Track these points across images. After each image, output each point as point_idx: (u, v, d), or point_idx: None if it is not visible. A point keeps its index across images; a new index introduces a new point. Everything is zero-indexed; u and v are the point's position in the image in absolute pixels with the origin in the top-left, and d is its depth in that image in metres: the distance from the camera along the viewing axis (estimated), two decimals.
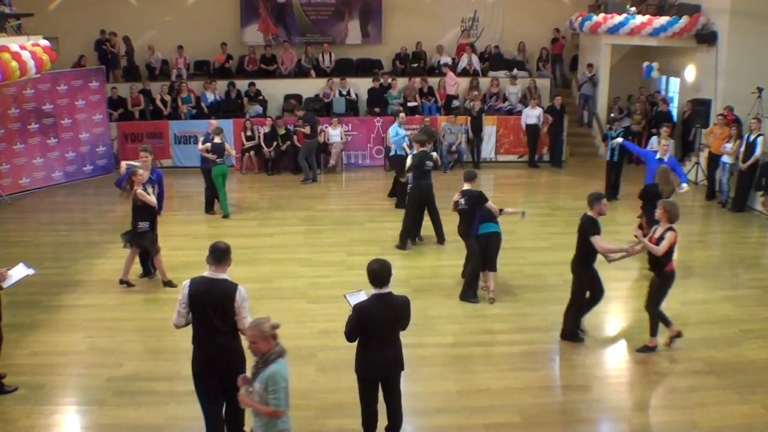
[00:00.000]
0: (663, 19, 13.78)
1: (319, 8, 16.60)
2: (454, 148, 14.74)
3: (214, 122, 11.66)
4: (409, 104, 15.31)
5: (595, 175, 13.66)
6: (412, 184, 9.65)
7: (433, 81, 15.80)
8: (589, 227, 6.59)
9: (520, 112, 15.18)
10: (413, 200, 9.67)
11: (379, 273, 4.78)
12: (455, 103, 15.62)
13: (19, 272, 6.13)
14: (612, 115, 14.10)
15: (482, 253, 7.88)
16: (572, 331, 6.95)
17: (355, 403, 5.15)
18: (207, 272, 4.84)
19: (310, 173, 13.82)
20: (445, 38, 17.11)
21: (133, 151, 14.60)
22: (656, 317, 6.75)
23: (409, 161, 9.88)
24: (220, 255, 4.80)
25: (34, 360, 6.60)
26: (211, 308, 4.72)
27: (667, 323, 6.83)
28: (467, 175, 8.17)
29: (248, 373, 4.40)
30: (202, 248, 8.28)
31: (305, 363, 6.48)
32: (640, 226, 7.91)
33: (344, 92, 15.52)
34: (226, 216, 11.31)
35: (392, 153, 12.08)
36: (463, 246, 8.22)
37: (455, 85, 15.55)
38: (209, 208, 11.53)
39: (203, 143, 11.14)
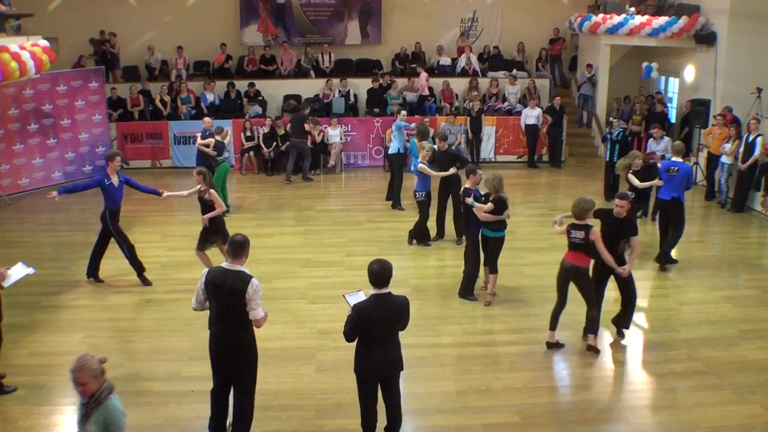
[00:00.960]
0: (662, 20, 13.86)
1: (318, 9, 16.64)
2: (453, 148, 14.76)
3: (208, 120, 11.65)
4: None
5: (594, 176, 13.75)
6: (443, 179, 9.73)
7: (432, 81, 15.84)
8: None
9: (519, 113, 15.23)
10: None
11: (379, 273, 4.79)
12: (457, 105, 15.64)
13: (18, 272, 6.15)
14: (610, 118, 14.15)
15: (484, 251, 7.90)
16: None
17: (355, 404, 5.17)
18: (225, 263, 5.01)
19: (289, 174, 13.88)
20: (444, 39, 17.17)
21: (132, 151, 14.72)
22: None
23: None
24: (236, 248, 4.98)
25: (34, 360, 6.62)
26: (224, 298, 4.89)
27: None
28: (467, 170, 8.12)
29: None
30: None
31: (305, 363, 6.53)
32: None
33: (344, 92, 15.54)
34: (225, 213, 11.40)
35: (395, 151, 11.88)
36: (463, 247, 8.24)
37: (425, 86, 15.52)
38: None
39: (203, 138, 11.18)
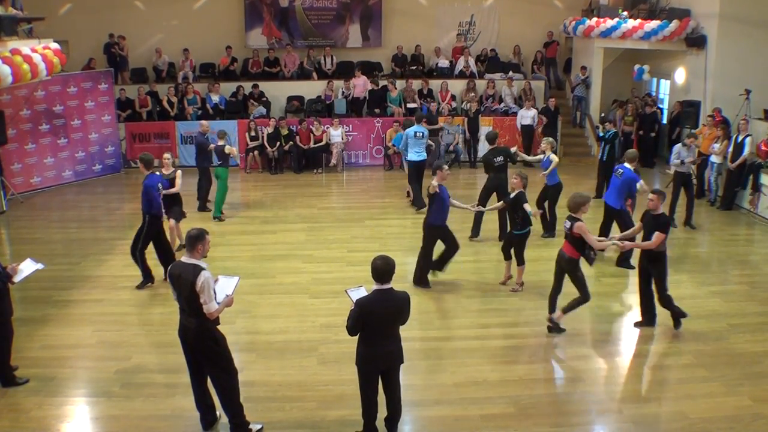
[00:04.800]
0: (654, 23, 14.02)
1: (321, 12, 16.80)
2: (451, 147, 14.99)
3: (205, 123, 11.62)
4: (409, 105, 15.52)
5: (587, 174, 13.75)
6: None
7: (431, 83, 16.00)
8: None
9: (515, 113, 15.37)
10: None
11: (382, 269, 4.88)
12: (455, 105, 15.81)
13: (28, 267, 6.25)
14: (603, 115, 14.34)
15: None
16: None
17: (356, 395, 5.27)
18: (184, 256, 5.17)
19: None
20: (443, 41, 17.31)
21: (140, 150, 14.74)
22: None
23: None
24: (190, 241, 5.13)
25: (45, 353, 6.75)
26: (182, 290, 5.06)
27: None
28: (434, 166, 8.19)
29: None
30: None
31: (307, 356, 6.62)
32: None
33: (345, 94, 15.70)
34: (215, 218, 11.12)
35: (423, 158, 11.55)
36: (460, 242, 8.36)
37: (362, 88, 15.62)
38: (203, 206, 11.56)
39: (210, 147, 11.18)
